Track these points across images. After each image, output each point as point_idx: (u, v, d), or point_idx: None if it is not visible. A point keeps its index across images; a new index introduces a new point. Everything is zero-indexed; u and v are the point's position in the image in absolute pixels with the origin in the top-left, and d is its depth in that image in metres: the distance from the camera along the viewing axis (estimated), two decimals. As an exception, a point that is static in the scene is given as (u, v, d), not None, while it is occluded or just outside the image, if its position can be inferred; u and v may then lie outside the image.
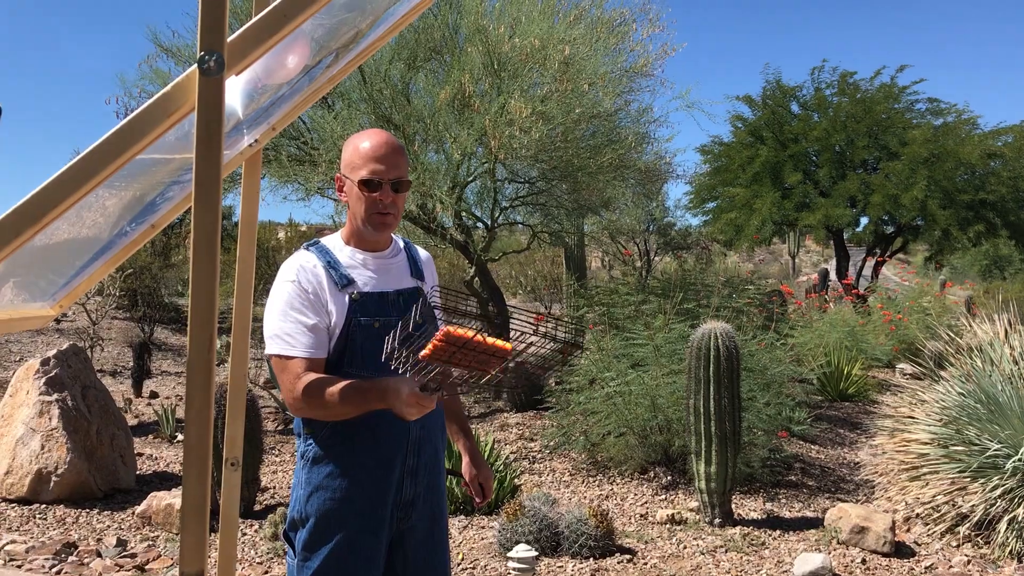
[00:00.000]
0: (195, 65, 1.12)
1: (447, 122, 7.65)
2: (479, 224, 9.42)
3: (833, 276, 18.69)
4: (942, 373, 5.65)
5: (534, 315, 1.88)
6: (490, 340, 1.66)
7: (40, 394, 5.26)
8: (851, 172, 16.07)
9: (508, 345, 1.69)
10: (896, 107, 16.59)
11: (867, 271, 18.03)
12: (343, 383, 1.90)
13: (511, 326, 1.77)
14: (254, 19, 1.16)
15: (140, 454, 6.23)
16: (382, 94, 7.94)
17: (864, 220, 16.82)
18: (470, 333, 1.64)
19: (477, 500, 2.32)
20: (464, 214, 9.00)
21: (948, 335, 6.00)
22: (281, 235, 17.34)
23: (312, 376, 1.93)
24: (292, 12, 1.17)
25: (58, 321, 12.81)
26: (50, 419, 5.19)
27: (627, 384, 5.84)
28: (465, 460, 2.33)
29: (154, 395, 9.20)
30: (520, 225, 10.87)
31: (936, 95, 24.61)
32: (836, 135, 16.07)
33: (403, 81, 8.32)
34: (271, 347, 1.98)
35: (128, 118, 1.11)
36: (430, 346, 1.64)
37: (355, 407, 1.91)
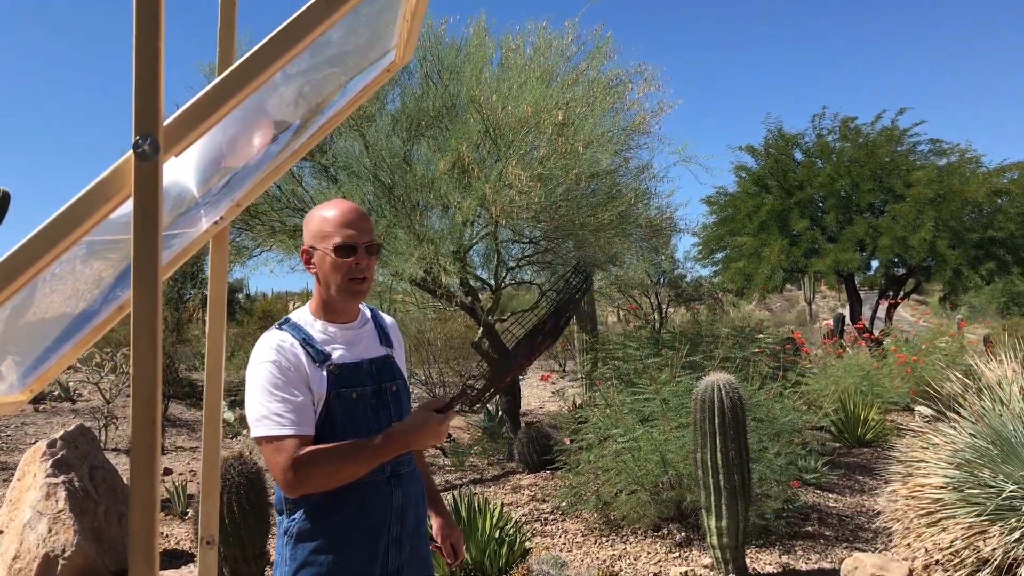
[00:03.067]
0: (131, 150, 1.14)
1: (448, 189, 7.72)
2: (485, 286, 9.46)
3: (849, 321, 18.55)
4: (952, 415, 5.57)
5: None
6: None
7: (47, 476, 5.27)
8: (858, 216, 16.04)
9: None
10: (899, 150, 16.60)
11: (881, 314, 17.90)
12: (346, 445, 1.91)
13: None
14: (189, 102, 1.19)
15: (151, 533, 6.19)
16: (384, 163, 8.05)
17: (875, 263, 16.75)
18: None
19: (449, 561, 2.32)
20: (470, 277, 9.04)
21: (958, 376, 5.92)
22: (292, 306, 17.43)
23: (308, 449, 1.92)
24: (226, 94, 1.20)
25: (73, 401, 12.86)
26: (57, 501, 5.18)
27: (636, 440, 5.79)
28: (436, 522, 2.33)
29: (167, 471, 9.17)
30: (528, 284, 10.89)
31: (938, 136, 24.76)
32: (840, 180, 16.09)
33: (405, 150, 8.44)
34: (259, 429, 1.95)
35: (64, 207, 1.13)
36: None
37: (369, 461, 1.91)
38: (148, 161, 1.15)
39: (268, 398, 1.95)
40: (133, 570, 1.14)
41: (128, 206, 1.24)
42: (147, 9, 1.13)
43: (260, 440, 1.94)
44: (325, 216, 2.03)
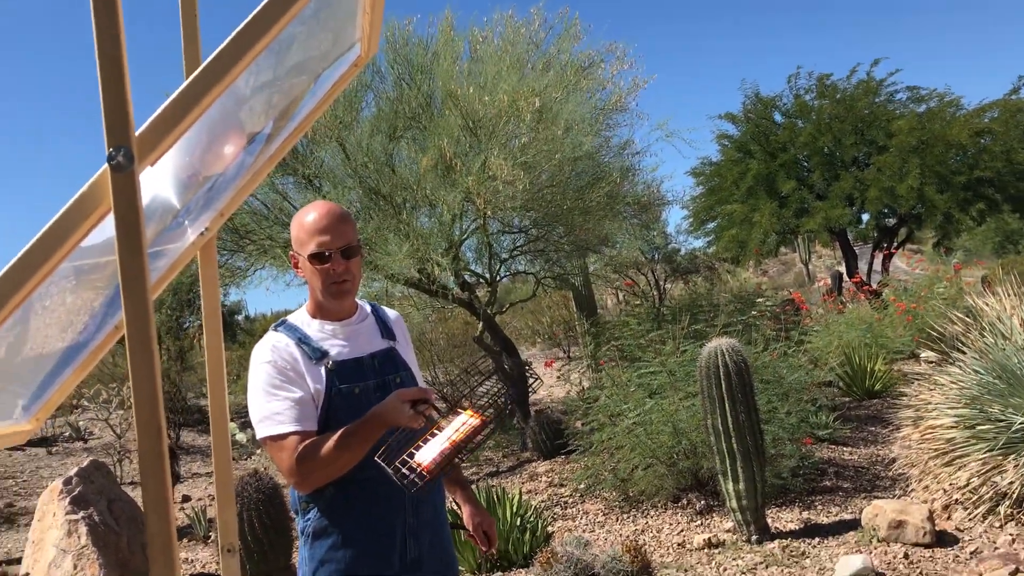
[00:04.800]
0: (105, 163, 1.15)
1: (433, 186, 7.73)
2: (481, 280, 9.47)
3: (846, 276, 18.58)
4: (956, 355, 5.59)
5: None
6: (465, 425, 1.78)
7: (66, 514, 5.28)
8: (843, 171, 16.04)
9: (477, 417, 1.80)
10: (877, 101, 16.60)
11: (877, 266, 17.94)
12: (336, 434, 1.91)
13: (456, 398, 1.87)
14: (159, 110, 1.20)
15: (175, 559, 6.21)
16: (367, 168, 8.05)
17: (865, 216, 16.76)
18: (451, 434, 1.78)
19: (483, 548, 2.32)
20: (465, 272, 9.05)
21: (957, 316, 5.95)
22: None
23: (305, 444, 1.94)
24: (194, 99, 1.21)
25: (85, 440, 12.88)
26: (79, 537, 5.19)
27: (647, 414, 5.81)
28: (466, 510, 2.33)
29: (186, 498, 9.19)
30: (523, 274, 10.90)
31: (915, 83, 24.78)
32: (822, 137, 16.09)
33: (386, 153, 8.43)
34: (262, 430, 1.98)
35: (44, 229, 1.14)
36: (429, 464, 1.77)
37: (357, 448, 1.90)
38: (124, 172, 1.16)
39: (268, 398, 1.97)
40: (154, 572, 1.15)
41: (109, 228, 1.25)
42: (107, 20, 1.14)
43: (264, 440, 1.97)
44: (302, 222, 2.05)
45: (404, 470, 1.76)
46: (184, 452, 11.79)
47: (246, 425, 11.88)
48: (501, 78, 7.73)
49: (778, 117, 17.59)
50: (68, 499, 5.35)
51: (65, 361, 1.71)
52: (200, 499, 9.06)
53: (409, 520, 2.07)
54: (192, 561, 6.31)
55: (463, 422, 1.81)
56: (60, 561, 5.15)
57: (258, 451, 10.60)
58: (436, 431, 1.82)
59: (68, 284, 1.48)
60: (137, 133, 1.18)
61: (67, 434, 12.89)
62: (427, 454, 1.79)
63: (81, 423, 13.21)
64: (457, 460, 1.82)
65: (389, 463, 1.79)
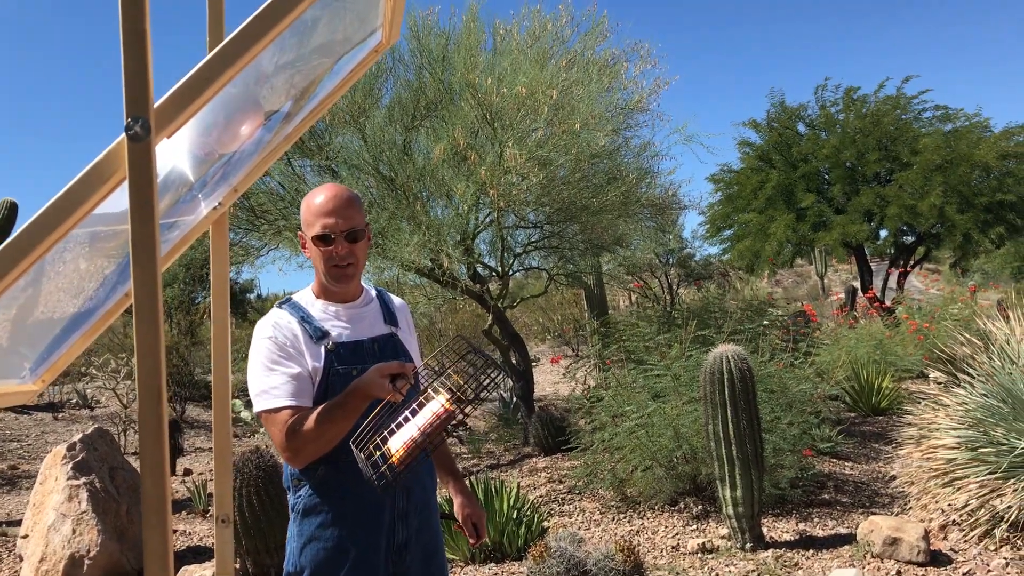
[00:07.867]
0: (123, 133, 1.17)
1: (447, 176, 7.74)
2: (494, 273, 9.48)
3: (860, 292, 18.52)
4: (963, 376, 5.58)
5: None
6: (436, 410, 1.75)
7: (68, 479, 5.34)
8: (864, 186, 15.97)
9: (448, 406, 1.76)
10: (904, 117, 16.51)
11: (892, 283, 17.86)
12: (322, 406, 1.94)
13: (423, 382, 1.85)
14: (178, 83, 1.22)
15: (174, 530, 6.26)
16: (384, 155, 8.07)
17: (883, 233, 16.69)
18: (427, 418, 1.75)
19: (472, 541, 2.33)
20: (478, 265, 9.06)
21: (967, 338, 5.93)
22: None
23: (294, 418, 1.96)
24: (214, 75, 1.23)
25: (91, 408, 12.98)
26: (79, 503, 5.25)
27: (648, 416, 5.82)
28: (457, 501, 2.34)
29: (188, 472, 9.26)
30: (536, 270, 10.90)
31: (944, 102, 24.60)
32: (846, 151, 16.01)
33: (404, 141, 8.45)
34: (258, 404, 2.01)
35: (59, 194, 1.16)
36: (399, 452, 1.75)
37: (342, 421, 1.92)
38: (140, 142, 1.18)
39: (266, 373, 2.00)
40: (147, 532, 1.17)
41: (126, 199, 1.27)
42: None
43: (260, 415, 2.00)
44: (310, 203, 2.07)
45: (377, 457, 1.75)
46: (188, 426, 11.87)
47: (250, 404, 11.97)
48: (520, 70, 7.73)
49: (802, 128, 17.52)
50: (71, 464, 5.41)
51: (74, 326, 1.73)
52: (201, 473, 9.13)
53: (399, 503, 2.09)
54: (190, 534, 6.37)
55: (441, 404, 1.77)
56: (59, 525, 5.20)
57: (260, 430, 10.66)
58: (417, 408, 1.78)
59: (82, 251, 1.50)
60: (156, 105, 1.20)
61: (74, 401, 12.99)
62: (399, 440, 1.77)
63: (88, 391, 13.31)
64: (444, 436, 1.80)
65: (363, 447, 1.78)
